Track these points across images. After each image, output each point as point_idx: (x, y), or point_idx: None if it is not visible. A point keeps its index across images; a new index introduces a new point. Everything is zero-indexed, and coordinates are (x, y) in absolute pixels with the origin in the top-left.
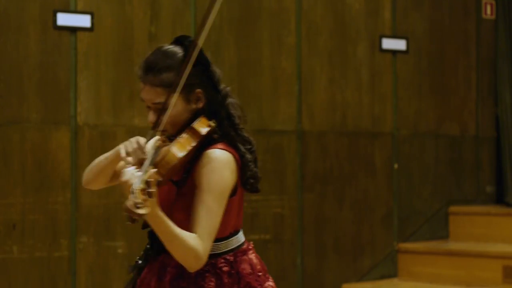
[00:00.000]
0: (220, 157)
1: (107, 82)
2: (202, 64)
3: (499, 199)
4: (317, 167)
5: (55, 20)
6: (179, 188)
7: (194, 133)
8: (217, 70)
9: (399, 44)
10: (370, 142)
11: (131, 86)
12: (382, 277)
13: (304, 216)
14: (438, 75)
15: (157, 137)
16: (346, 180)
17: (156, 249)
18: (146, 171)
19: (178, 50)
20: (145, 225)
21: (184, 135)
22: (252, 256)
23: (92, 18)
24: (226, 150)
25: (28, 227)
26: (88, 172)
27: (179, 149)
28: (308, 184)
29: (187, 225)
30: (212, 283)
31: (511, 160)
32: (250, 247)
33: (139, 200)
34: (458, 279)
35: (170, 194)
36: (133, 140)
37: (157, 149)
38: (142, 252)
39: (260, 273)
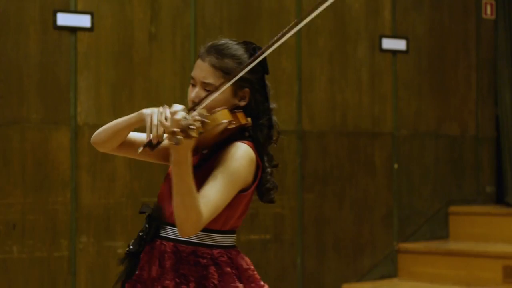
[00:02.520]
0: (246, 150)
1: (107, 82)
2: (263, 69)
3: (499, 199)
4: (317, 167)
5: (55, 20)
6: (197, 167)
7: (235, 118)
8: (268, 85)
9: (399, 44)
10: (370, 142)
11: (131, 86)
12: (382, 277)
13: (304, 216)
14: (438, 75)
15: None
16: (346, 180)
17: (152, 234)
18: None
19: (242, 47)
20: (143, 210)
21: (226, 114)
22: (245, 257)
23: (92, 18)
24: (252, 149)
25: (28, 227)
26: (101, 131)
27: (225, 117)
28: (308, 184)
29: None
30: (216, 274)
31: (511, 160)
32: (239, 251)
33: (194, 122)
34: (458, 279)
35: None
36: (167, 111)
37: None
38: (132, 241)
39: (255, 273)
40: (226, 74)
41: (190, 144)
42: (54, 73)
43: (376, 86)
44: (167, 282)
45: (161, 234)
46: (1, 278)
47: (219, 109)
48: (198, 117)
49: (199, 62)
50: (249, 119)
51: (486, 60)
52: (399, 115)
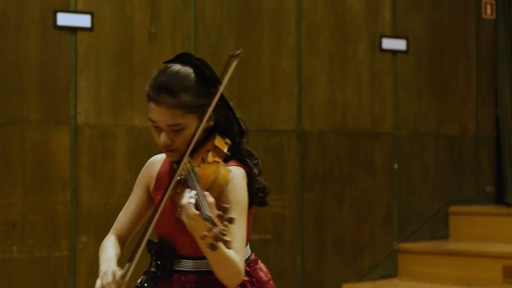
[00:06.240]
0: (238, 174)
1: (107, 82)
2: (216, 82)
3: (499, 199)
4: (317, 167)
5: (55, 20)
6: None
7: (219, 152)
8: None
9: (399, 44)
10: (370, 142)
11: (131, 86)
12: (382, 277)
13: (304, 216)
14: (438, 75)
15: (185, 161)
16: (346, 180)
17: (167, 270)
18: (203, 196)
19: (189, 70)
20: (150, 248)
21: (210, 155)
22: (261, 265)
23: (92, 18)
24: (239, 166)
25: (28, 227)
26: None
27: (223, 170)
28: (308, 184)
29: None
30: None
31: (511, 160)
32: (256, 257)
33: (223, 227)
34: (458, 279)
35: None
36: (109, 272)
37: (192, 171)
38: (143, 276)
39: (272, 282)
40: (187, 108)
41: None
42: (54, 73)
43: (376, 86)
44: None
45: (177, 268)
46: (1, 278)
47: (209, 158)
48: (214, 213)
49: (153, 106)
50: (226, 139)
51: (486, 60)
52: (399, 115)
